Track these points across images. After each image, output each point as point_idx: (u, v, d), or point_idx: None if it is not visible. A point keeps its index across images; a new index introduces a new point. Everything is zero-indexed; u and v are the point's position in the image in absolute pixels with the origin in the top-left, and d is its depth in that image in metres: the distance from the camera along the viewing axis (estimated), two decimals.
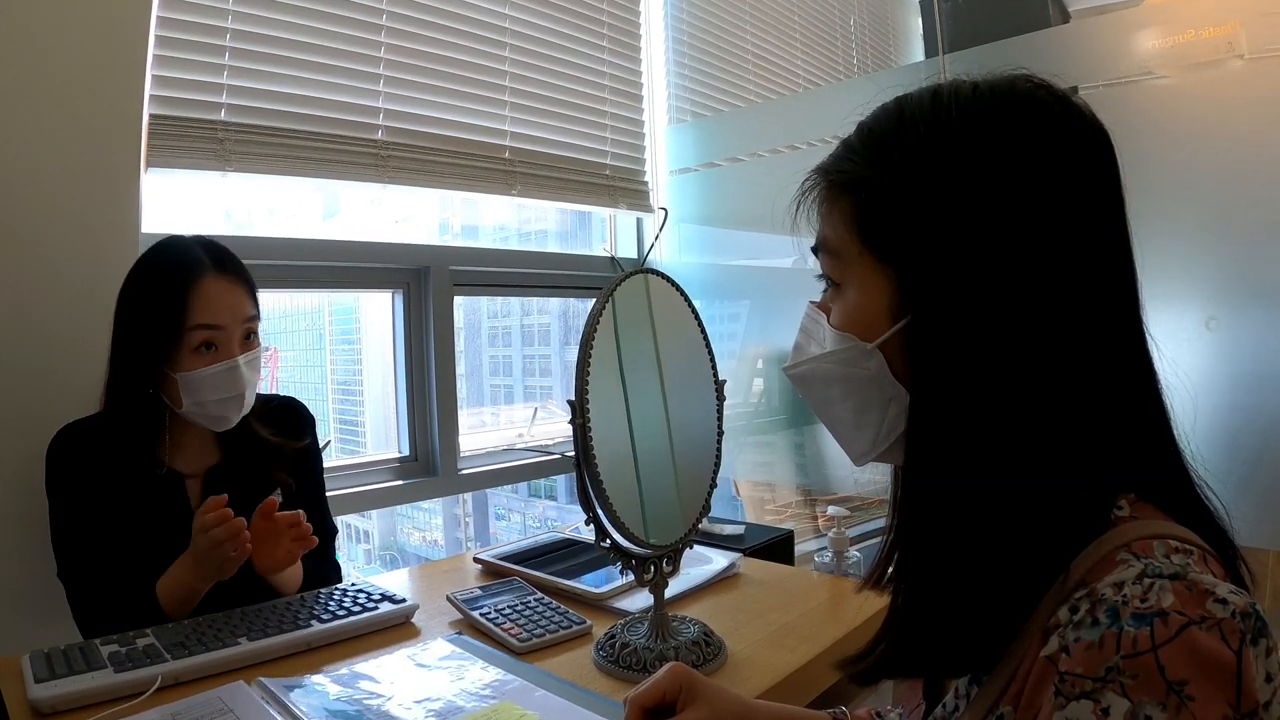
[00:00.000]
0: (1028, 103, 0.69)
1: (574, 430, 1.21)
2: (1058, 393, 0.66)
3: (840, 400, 0.78)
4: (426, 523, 3.45)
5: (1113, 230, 0.70)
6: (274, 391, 1.92)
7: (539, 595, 1.52)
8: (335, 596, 1.50)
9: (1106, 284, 0.68)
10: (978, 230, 0.66)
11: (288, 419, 1.74)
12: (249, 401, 1.56)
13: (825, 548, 1.74)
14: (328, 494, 1.82)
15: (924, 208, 0.68)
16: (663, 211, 3.20)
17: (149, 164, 1.92)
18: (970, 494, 0.67)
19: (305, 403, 1.81)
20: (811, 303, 0.82)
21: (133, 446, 1.52)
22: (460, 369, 2.78)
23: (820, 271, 0.80)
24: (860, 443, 0.78)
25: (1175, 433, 0.71)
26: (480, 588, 1.54)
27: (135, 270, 1.55)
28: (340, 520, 1.85)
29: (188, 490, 1.57)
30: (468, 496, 3.15)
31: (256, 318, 1.58)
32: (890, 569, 0.81)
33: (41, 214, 1.74)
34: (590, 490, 1.22)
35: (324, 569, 1.70)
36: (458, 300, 2.71)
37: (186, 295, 1.49)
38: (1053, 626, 0.59)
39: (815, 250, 0.79)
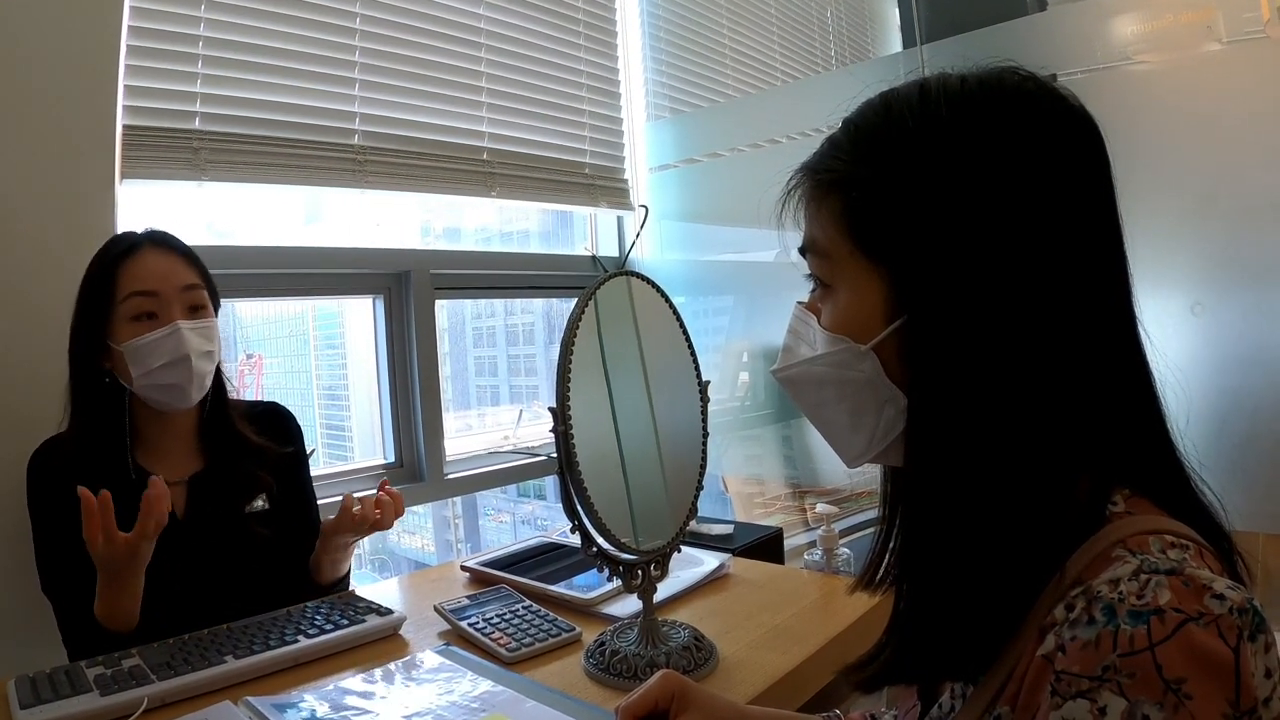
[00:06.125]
0: (1017, 96, 0.68)
1: (556, 438, 1.20)
2: (1057, 388, 0.65)
3: (834, 403, 0.77)
4: (416, 526, 3.44)
5: (1105, 222, 0.69)
6: (261, 399, 1.91)
7: (527, 603, 1.51)
8: (322, 610, 1.48)
9: (1100, 277, 0.68)
10: (972, 227, 0.65)
11: (274, 425, 1.73)
12: (201, 371, 1.52)
13: (815, 544, 1.73)
14: (316, 502, 1.80)
15: (917, 206, 0.67)
16: (643, 209, 3.18)
17: (123, 175, 1.90)
18: (972, 492, 0.66)
19: (291, 409, 1.79)
20: (799, 303, 0.80)
21: (105, 450, 1.50)
22: (445, 370, 2.77)
23: (809, 272, 0.78)
24: (855, 446, 0.77)
25: (1169, 426, 0.70)
26: (468, 597, 1.53)
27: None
28: None
29: (171, 499, 1.55)
30: (457, 499, 3.14)
31: (201, 288, 1.56)
32: (883, 569, 0.80)
33: (14, 228, 1.72)
34: (575, 497, 1.21)
35: None
36: (441, 302, 2.69)
37: (117, 267, 1.50)
38: (1049, 625, 0.59)
39: (803, 251, 0.78)
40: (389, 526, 1.62)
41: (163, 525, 1.33)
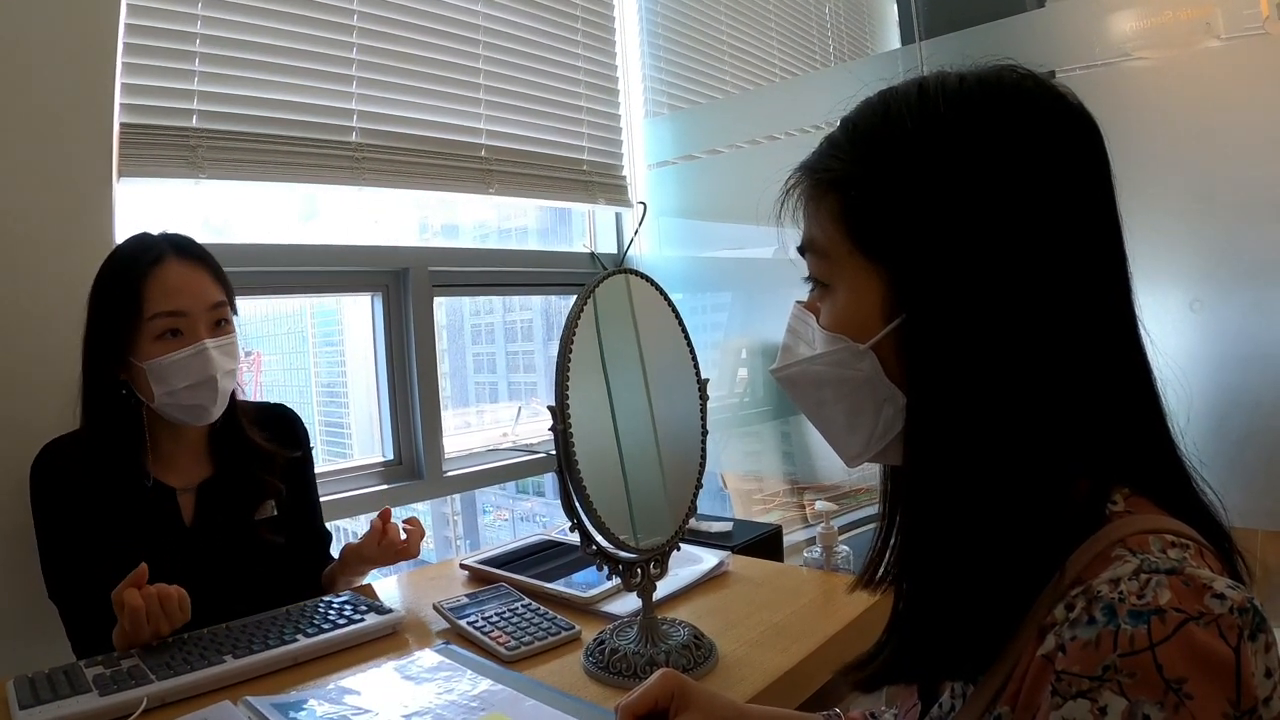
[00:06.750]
0: (1016, 95, 0.68)
1: (555, 436, 1.19)
2: (1056, 386, 0.65)
3: (832, 402, 0.76)
4: None
5: (1104, 220, 0.69)
6: (259, 397, 1.91)
7: (526, 601, 1.51)
8: (321, 609, 1.48)
9: (1100, 275, 0.68)
10: (971, 225, 0.65)
11: (282, 428, 1.72)
12: (224, 390, 1.53)
13: (814, 541, 1.73)
14: (320, 506, 1.81)
15: (915, 205, 0.67)
16: (642, 206, 3.19)
17: (121, 173, 1.90)
18: (971, 491, 0.66)
19: (290, 407, 1.79)
20: (798, 303, 0.80)
21: (116, 457, 1.49)
22: (444, 367, 2.77)
23: (809, 273, 0.78)
24: (853, 445, 0.77)
25: (1170, 425, 0.70)
26: (467, 595, 1.53)
27: (99, 269, 1.53)
28: (330, 525, 1.84)
29: (180, 505, 1.55)
30: (456, 496, 3.14)
31: (226, 304, 1.55)
32: (883, 568, 0.80)
33: (11, 226, 1.72)
34: (574, 496, 1.21)
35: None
36: (439, 299, 2.69)
37: (144, 281, 1.47)
38: (1049, 625, 0.59)
39: (802, 251, 0.78)
40: (417, 553, 1.63)
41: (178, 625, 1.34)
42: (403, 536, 1.61)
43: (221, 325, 1.54)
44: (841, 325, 0.73)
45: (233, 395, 1.61)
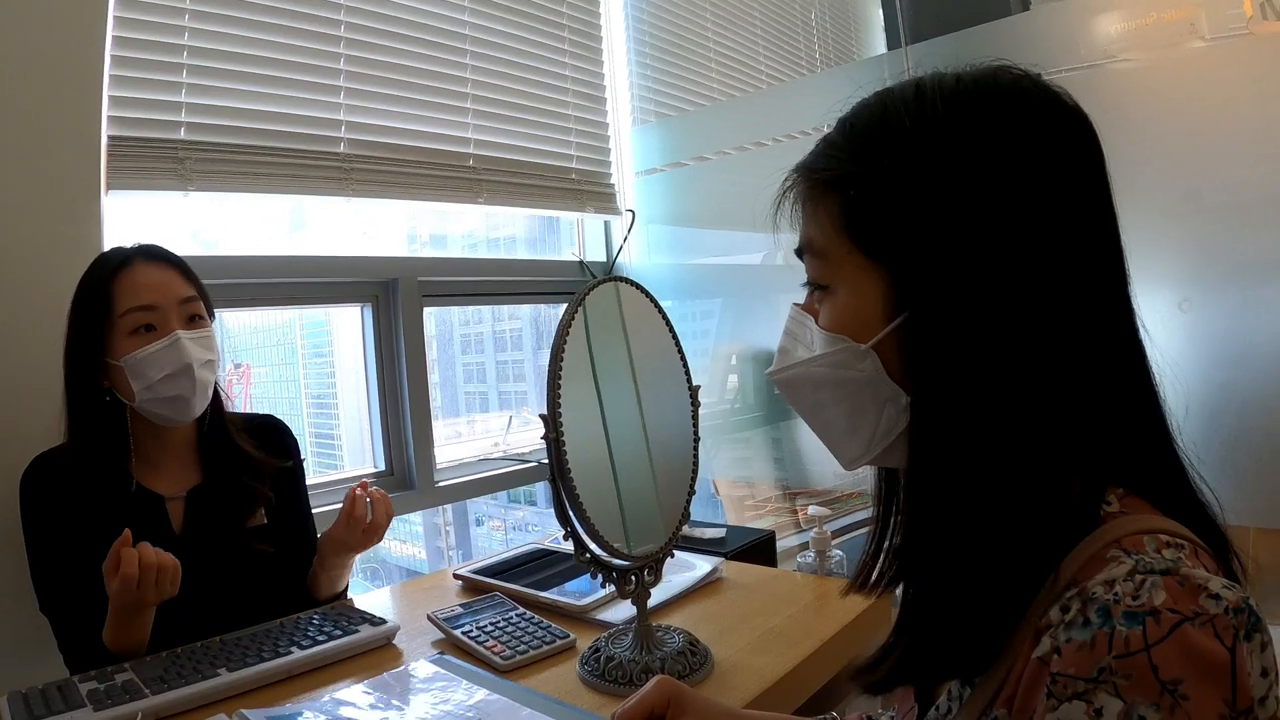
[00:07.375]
0: (1012, 93, 0.69)
1: (548, 445, 1.19)
2: (1058, 385, 0.65)
3: (832, 404, 0.76)
4: (407, 534, 3.43)
5: (1102, 218, 0.69)
6: (249, 409, 1.90)
7: (520, 610, 1.50)
8: (315, 621, 1.47)
9: (1098, 272, 0.68)
10: (971, 223, 0.65)
11: (271, 438, 1.72)
12: (203, 381, 1.52)
13: (807, 546, 1.73)
14: (312, 517, 1.80)
15: (915, 203, 0.67)
16: (630, 213, 3.19)
17: (109, 186, 1.89)
18: (975, 489, 0.66)
19: (280, 419, 1.78)
20: (796, 305, 0.80)
21: (103, 466, 1.49)
22: (434, 378, 2.76)
23: (809, 276, 0.78)
24: (853, 447, 0.76)
25: (1168, 421, 0.70)
26: (461, 605, 1.52)
27: (78, 282, 1.53)
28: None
29: (169, 513, 1.54)
30: (447, 506, 3.13)
31: (198, 300, 1.55)
32: (879, 570, 0.80)
33: (1, 240, 1.70)
34: (567, 504, 1.20)
35: None
36: (429, 309, 2.69)
37: (112, 281, 1.48)
38: (1044, 627, 0.59)
39: (799, 252, 0.78)
40: (382, 524, 1.62)
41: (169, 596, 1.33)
42: (369, 518, 1.61)
43: (195, 320, 1.54)
44: (842, 325, 0.73)
45: (219, 401, 1.61)
